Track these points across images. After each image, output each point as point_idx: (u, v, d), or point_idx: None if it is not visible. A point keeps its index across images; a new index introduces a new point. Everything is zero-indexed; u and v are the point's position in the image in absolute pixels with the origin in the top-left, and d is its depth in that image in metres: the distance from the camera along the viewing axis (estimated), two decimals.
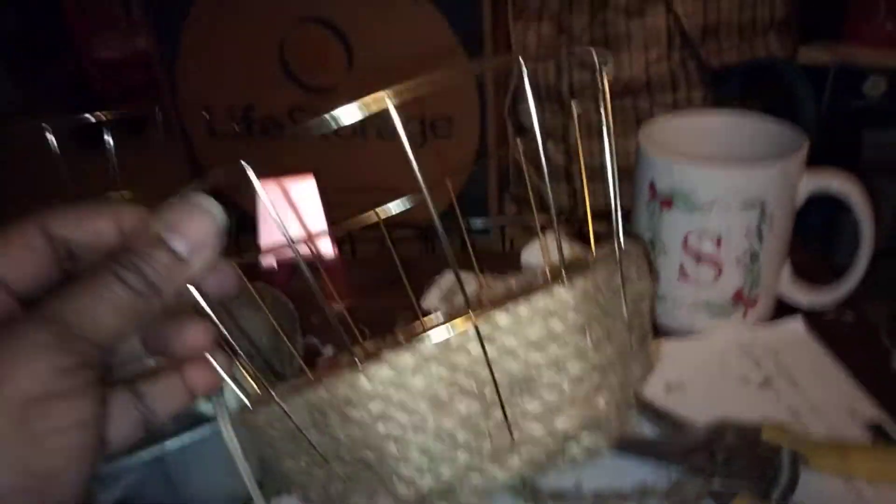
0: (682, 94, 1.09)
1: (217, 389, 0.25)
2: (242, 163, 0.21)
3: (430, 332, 0.22)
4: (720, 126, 0.48)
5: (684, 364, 0.42)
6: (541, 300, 0.23)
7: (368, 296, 0.52)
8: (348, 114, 0.21)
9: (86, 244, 0.23)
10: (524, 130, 1.18)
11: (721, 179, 0.41)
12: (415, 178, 0.23)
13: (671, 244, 0.44)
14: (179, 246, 0.21)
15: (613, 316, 0.25)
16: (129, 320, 0.20)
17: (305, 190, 0.54)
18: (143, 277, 0.20)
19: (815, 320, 0.45)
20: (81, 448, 0.18)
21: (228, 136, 1.04)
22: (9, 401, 0.17)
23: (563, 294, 0.23)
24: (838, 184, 0.42)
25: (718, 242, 0.42)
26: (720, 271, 0.43)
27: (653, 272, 0.40)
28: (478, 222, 0.78)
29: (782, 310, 0.46)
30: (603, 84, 0.26)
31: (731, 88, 1.04)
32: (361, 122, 1.09)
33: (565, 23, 1.06)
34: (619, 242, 0.25)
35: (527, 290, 0.23)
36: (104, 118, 0.49)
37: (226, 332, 0.25)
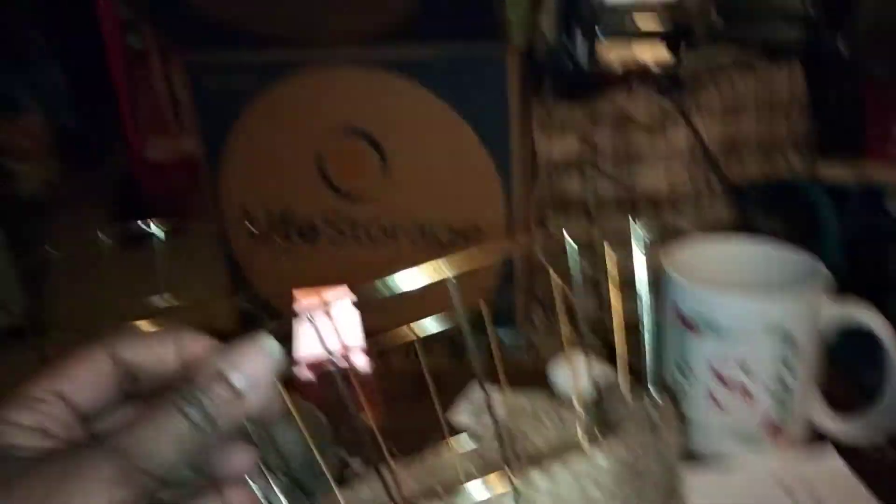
0: (706, 209, 1.11)
1: None
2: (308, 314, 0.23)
3: (467, 488, 0.23)
4: (744, 251, 0.49)
5: (716, 497, 0.42)
6: (578, 464, 0.24)
7: (397, 408, 0.52)
8: (407, 280, 0.23)
9: (148, 369, 0.24)
10: (552, 238, 1.20)
11: (742, 307, 0.42)
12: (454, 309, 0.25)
13: (698, 368, 0.44)
14: (238, 382, 0.22)
15: (646, 474, 0.26)
16: (186, 451, 0.21)
17: (343, 303, 0.56)
18: (202, 410, 0.21)
19: (854, 454, 0.44)
20: None
21: (268, 241, 1.08)
22: None
23: (601, 459, 0.24)
24: (861, 317, 0.42)
25: (746, 369, 0.43)
26: (749, 398, 0.43)
27: (682, 420, 0.41)
28: (504, 336, 0.79)
29: (815, 436, 0.46)
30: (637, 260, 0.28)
31: (753, 205, 1.06)
32: (393, 227, 1.13)
33: (589, 137, 1.10)
34: (652, 402, 0.27)
35: (561, 438, 0.24)
36: (155, 226, 0.52)
37: (264, 456, 0.27)
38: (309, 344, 0.54)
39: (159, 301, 0.54)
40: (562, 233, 0.36)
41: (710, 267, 0.47)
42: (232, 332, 0.25)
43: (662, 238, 1.13)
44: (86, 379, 0.23)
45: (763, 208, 1.02)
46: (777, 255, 0.48)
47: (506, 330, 0.89)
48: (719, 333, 0.43)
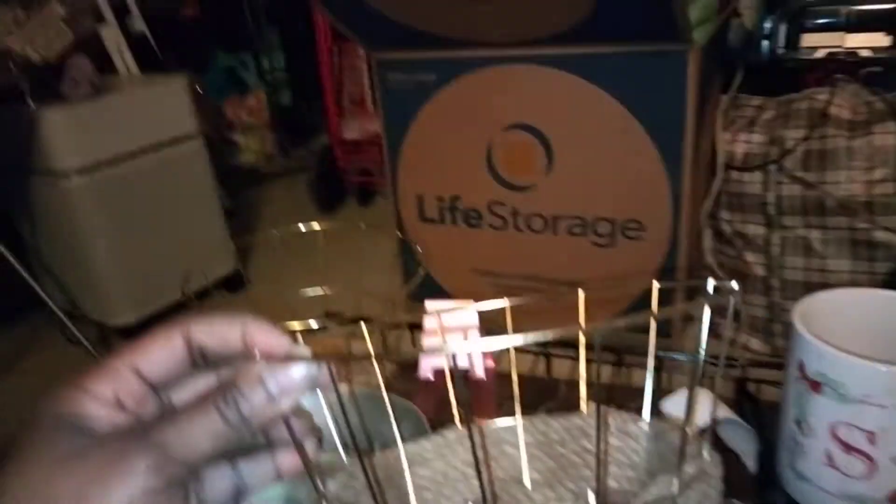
0: None
1: (298, 470, 0.28)
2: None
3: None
4: (886, 308, 0.45)
5: None
6: None
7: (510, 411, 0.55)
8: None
9: (215, 349, 0.27)
10: (722, 236, 1.14)
11: (875, 375, 0.39)
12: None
13: (819, 428, 0.42)
14: (274, 389, 0.24)
15: None
16: (220, 446, 0.24)
17: (468, 314, 0.60)
18: (238, 412, 0.24)
19: None
20: None
21: (435, 221, 1.16)
22: None
23: None
24: None
25: (872, 439, 0.40)
26: (874, 468, 0.41)
27: None
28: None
29: None
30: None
31: None
32: (553, 218, 1.15)
33: (778, 135, 1.02)
34: None
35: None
36: (317, 225, 0.62)
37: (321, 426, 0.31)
38: (432, 345, 0.60)
39: (314, 291, 0.63)
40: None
41: (846, 323, 0.44)
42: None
43: (853, 248, 1.03)
44: (160, 356, 0.26)
45: None
46: None
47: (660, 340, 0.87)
48: (845, 399, 0.41)
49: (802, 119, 1.03)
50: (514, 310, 0.40)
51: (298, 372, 0.25)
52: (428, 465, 0.39)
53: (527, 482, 0.41)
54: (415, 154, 1.18)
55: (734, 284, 0.29)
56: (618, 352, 0.63)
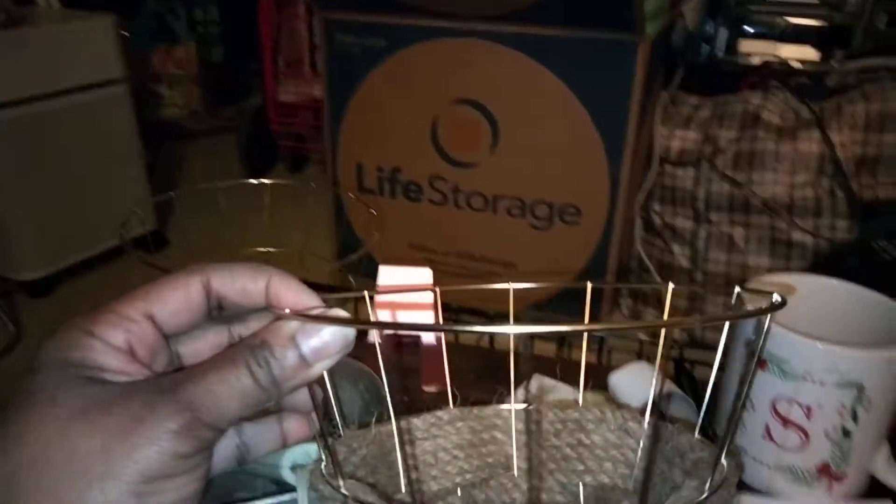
0: (825, 221, 1.05)
1: (305, 438, 0.27)
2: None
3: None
4: (832, 294, 0.48)
5: None
6: None
7: (462, 384, 0.55)
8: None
9: (234, 301, 0.25)
10: (652, 227, 1.18)
11: (818, 354, 0.41)
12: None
13: (760, 403, 0.44)
14: (308, 352, 0.22)
15: None
16: (249, 409, 0.22)
17: (422, 276, 0.59)
18: (270, 374, 0.22)
19: None
20: None
21: (373, 192, 1.14)
22: (131, 477, 0.19)
23: None
24: None
25: (808, 413, 0.42)
26: (807, 440, 0.43)
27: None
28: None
29: (875, 488, 0.45)
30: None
31: (878, 225, 0.99)
32: (494, 197, 1.15)
33: (712, 133, 1.06)
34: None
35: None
36: (265, 182, 0.59)
37: (331, 397, 0.29)
38: (384, 312, 0.58)
39: (256, 255, 0.60)
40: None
41: (795, 307, 0.46)
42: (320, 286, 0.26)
43: (772, 246, 1.09)
44: (177, 304, 0.24)
45: (887, 231, 0.95)
46: (869, 303, 0.46)
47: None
48: (788, 375, 0.42)
49: (736, 120, 1.07)
50: (445, 283, 0.40)
51: (335, 335, 0.23)
52: (418, 444, 0.39)
53: (515, 470, 0.41)
54: (358, 121, 1.15)
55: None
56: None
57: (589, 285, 0.41)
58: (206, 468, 0.21)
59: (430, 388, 0.56)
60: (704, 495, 0.27)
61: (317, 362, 0.23)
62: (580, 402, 0.41)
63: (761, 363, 0.44)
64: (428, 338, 0.57)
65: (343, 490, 0.27)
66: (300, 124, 1.66)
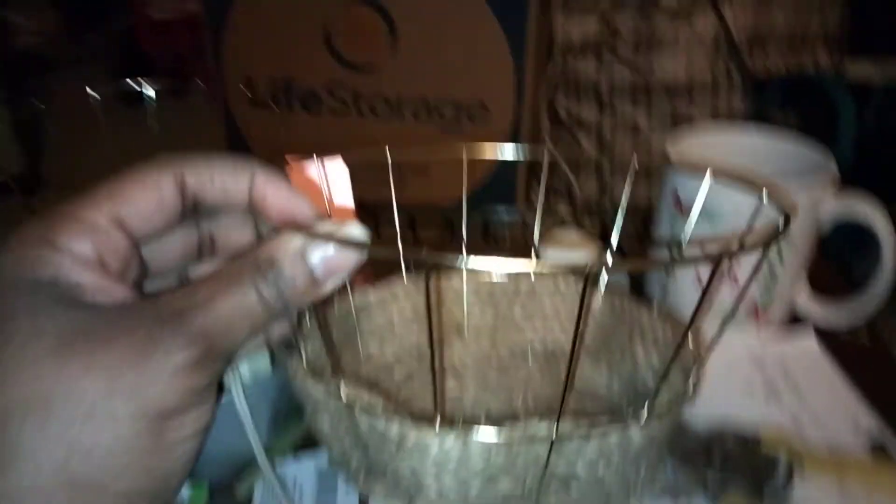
0: (722, 100, 1.08)
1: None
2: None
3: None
4: (752, 142, 0.48)
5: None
6: (613, 436, 0.24)
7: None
8: (487, 266, 0.20)
9: (212, 201, 0.22)
10: (558, 120, 1.18)
11: (739, 195, 0.41)
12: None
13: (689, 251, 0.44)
14: (319, 270, 0.20)
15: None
16: (256, 332, 0.20)
17: (335, 168, 0.55)
18: (281, 296, 0.20)
19: (830, 339, 0.46)
20: (196, 451, 0.19)
21: (268, 107, 1.06)
22: (147, 414, 0.17)
23: (635, 434, 0.24)
24: (862, 211, 0.42)
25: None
26: (735, 283, 0.44)
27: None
28: (503, 213, 0.79)
29: (796, 319, 0.47)
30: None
31: (772, 98, 1.03)
32: (398, 100, 1.10)
33: (610, 19, 1.05)
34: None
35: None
36: (147, 86, 0.51)
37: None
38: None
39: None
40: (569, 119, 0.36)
41: (715, 156, 0.46)
42: None
43: (674, 129, 1.11)
44: (147, 206, 0.21)
45: (781, 102, 0.99)
46: (786, 148, 0.47)
47: (505, 207, 0.89)
48: (714, 220, 0.42)
49: (634, 6, 1.06)
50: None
51: (351, 257, 0.21)
52: (374, 318, 0.38)
53: (466, 333, 0.40)
54: (242, 31, 1.05)
55: None
56: None
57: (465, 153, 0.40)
58: (216, 396, 0.19)
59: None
60: (689, 392, 0.27)
61: (328, 279, 0.21)
62: (532, 271, 0.40)
63: (688, 213, 0.44)
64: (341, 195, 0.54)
65: (343, 395, 0.25)
66: (178, 44, 1.51)
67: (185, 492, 0.32)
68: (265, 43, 1.05)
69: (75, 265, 0.18)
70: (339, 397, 0.25)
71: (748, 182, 0.34)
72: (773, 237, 0.25)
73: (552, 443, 0.23)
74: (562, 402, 0.22)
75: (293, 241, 0.20)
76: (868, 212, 0.41)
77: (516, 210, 0.86)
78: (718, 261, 0.24)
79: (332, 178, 0.58)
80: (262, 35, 1.04)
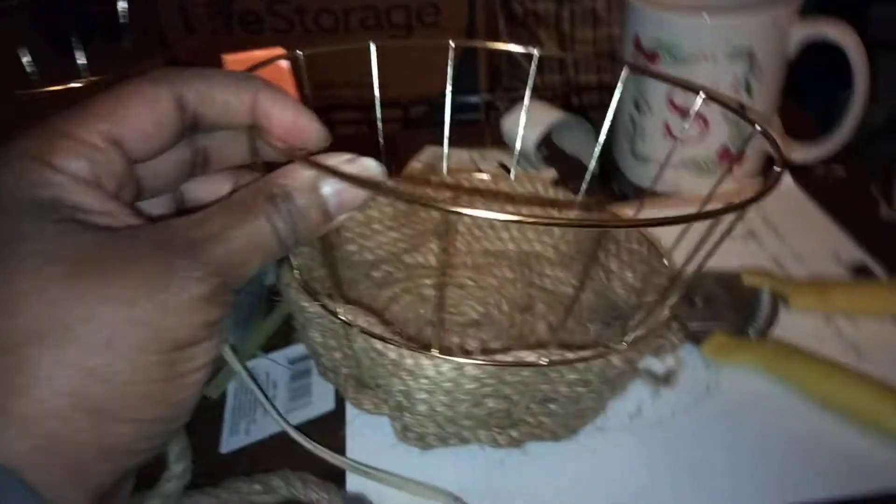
0: None
1: None
2: None
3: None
4: None
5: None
6: (596, 364, 0.25)
7: None
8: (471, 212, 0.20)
9: (213, 118, 0.21)
10: (514, 18, 1.13)
11: (706, 28, 0.39)
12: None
13: (656, 102, 0.42)
14: (333, 203, 0.20)
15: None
16: (267, 265, 0.20)
17: (276, 67, 0.52)
18: (293, 232, 0.19)
19: (805, 176, 0.44)
20: (206, 379, 0.19)
21: (206, 33, 1.00)
22: (163, 345, 0.17)
23: (615, 360, 0.25)
24: (832, 31, 0.40)
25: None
26: (706, 127, 0.42)
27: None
28: (470, 98, 0.76)
29: (772, 164, 0.45)
30: None
31: None
32: (345, 11, 1.04)
33: None
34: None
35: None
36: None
37: None
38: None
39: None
40: None
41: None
42: None
43: None
44: (145, 125, 0.19)
45: None
46: None
47: (471, 95, 0.85)
48: (680, 60, 0.40)
49: None
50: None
51: (364, 194, 0.20)
52: (350, 217, 0.36)
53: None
54: None
55: None
56: None
57: (451, 44, 0.38)
58: (226, 328, 0.20)
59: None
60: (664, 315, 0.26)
61: (340, 214, 0.20)
62: (512, 175, 0.38)
63: (651, 57, 0.41)
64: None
65: (343, 316, 0.26)
66: None
67: None
68: None
69: (75, 186, 0.18)
70: (336, 317, 0.25)
71: None
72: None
73: (539, 371, 0.24)
74: (554, 336, 0.25)
75: (305, 171, 0.20)
76: (837, 31, 0.39)
77: (481, 96, 0.83)
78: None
79: (275, 74, 0.54)
80: None
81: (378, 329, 0.25)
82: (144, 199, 0.22)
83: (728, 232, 0.26)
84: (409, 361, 0.24)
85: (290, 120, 0.22)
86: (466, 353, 0.25)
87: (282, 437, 0.30)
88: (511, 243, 0.39)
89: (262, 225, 0.19)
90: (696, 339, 0.33)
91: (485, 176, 0.39)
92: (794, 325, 0.34)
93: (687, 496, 0.27)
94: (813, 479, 0.28)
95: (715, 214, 0.22)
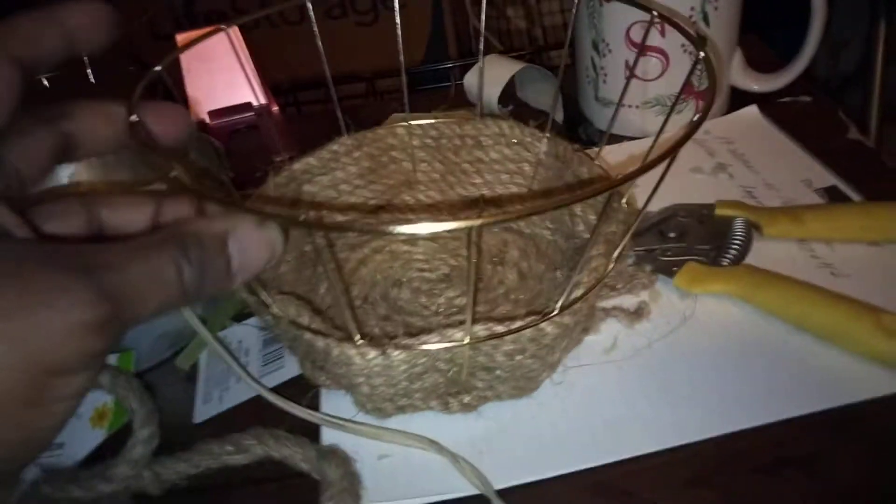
0: None
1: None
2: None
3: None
4: None
5: (633, 162, 0.41)
6: (527, 332, 0.25)
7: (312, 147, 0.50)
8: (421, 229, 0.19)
9: (50, 54, 0.20)
10: None
11: None
12: None
13: (614, 41, 0.42)
14: (237, 263, 0.19)
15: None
16: (162, 312, 0.19)
17: (227, 42, 0.51)
18: (199, 280, 0.18)
19: (771, 107, 0.44)
20: (73, 411, 0.18)
21: (169, 37, 0.99)
22: (32, 366, 0.16)
23: (548, 327, 0.25)
24: None
25: (662, 31, 0.40)
26: (667, 63, 0.41)
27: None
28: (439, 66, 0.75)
29: (737, 104, 0.45)
30: None
31: None
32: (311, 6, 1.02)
33: None
34: None
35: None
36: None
37: None
38: (201, 84, 0.50)
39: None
40: None
41: None
42: None
43: None
44: None
45: None
46: None
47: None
48: None
49: None
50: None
51: (266, 256, 0.20)
52: (316, 181, 0.37)
53: (417, 186, 0.39)
54: None
55: None
56: None
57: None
58: (105, 362, 0.19)
59: (281, 157, 0.50)
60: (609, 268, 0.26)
61: (238, 278, 0.20)
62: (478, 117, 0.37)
63: None
64: (261, 109, 0.50)
65: (273, 309, 0.26)
66: None
67: (113, 358, 0.30)
68: None
69: None
70: (270, 310, 0.26)
71: None
72: None
73: (468, 346, 0.24)
74: (472, 310, 0.23)
75: (217, 224, 0.19)
76: None
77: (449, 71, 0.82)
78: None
79: (230, 49, 0.54)
80: None
81: (306, 319, 0.26)
82: (24, 193, 0.21)
83: (662, 177, 0.25)
84: (335, 352, 0.24)
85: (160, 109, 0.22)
86: (391, 338, 0.25)
87: (254, 402, 0.30)
88: (485, 188, 0.39)
89: (167, 264, 0.18)
90: (669, 271, 0.33)
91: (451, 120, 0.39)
92: (769, 252, 0.34)
93: (667, 420, 0.27)
94: (791, 397, 0.27)
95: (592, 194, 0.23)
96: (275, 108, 0.51)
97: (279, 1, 0.98)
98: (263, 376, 0.31)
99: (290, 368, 0.31)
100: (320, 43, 0.38)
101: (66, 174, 0.29)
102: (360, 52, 1.01)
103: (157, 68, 0.30)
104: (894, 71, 0.82)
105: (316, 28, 0.38)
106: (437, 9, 1.01)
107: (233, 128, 0.50)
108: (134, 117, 0.24)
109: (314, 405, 0.29)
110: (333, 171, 0.38)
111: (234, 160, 0.45)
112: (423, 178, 0.39)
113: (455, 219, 0.19)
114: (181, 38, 0.50)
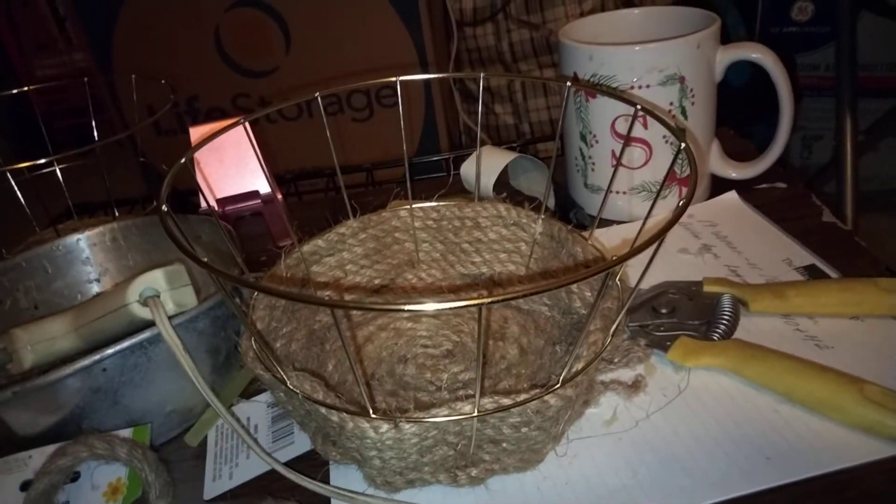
0: None
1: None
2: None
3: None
4: (637, 18, 0.49)
5: (624, 243, 0.43)
6: (531, 405, 0.26)
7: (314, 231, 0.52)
8: (436, 307, 0.21)
9: None
10: (470, 94, 1.19)
11: (638, 58, 0.42)
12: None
13: (601, 132, 0.45)
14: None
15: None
16: None
17: (236, 134, 0.54)
18: None
19: (750, 193, 0.47)
20: None
21: (172, 132, 1.03)
22: None
23: (552, 399, 0.26)
24: (753, 52, 0.43)
25: (645, 123, 0.44)
26: (651, 152, 0.45)
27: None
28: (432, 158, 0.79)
29: (718, 190, 0.48)
30: None
31: None
32: (307, 103, 1.08)
33: None
34: None
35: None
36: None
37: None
38: (210, 172, 0.53)
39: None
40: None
41: (605, 37, 0.47)
42: None
43: None
44: None
45: None
46: (669, 13, 0.48)
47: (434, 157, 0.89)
48: (612, 80, 0.43)
49: None
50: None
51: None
52: (324, 261, 0.39)
53: (418, 266, 0.41)
54: (131, 61, 1.03)
55: None
56: None
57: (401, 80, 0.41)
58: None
59: (285, 242, 0.52)
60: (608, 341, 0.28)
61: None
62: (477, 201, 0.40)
63: (590, 93, 0.44)
64: (267, 197, 0.53)
65: (289, 384, 0.27)
66: (72, 98, 1.47)
67: (127, 431, 0.30)
68: (159, 66, 1.03)
69: None
70: (286, 385, 0.27)
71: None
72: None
73: (477, 418, 0.25)
74: (480, 382, 0.25)
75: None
76: (756, 50, 0.43)
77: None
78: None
79: (237, 140, 0.57)
80: (154, 59, 1.02)
81: (321, 394, 0.27)
82: None
83: (652, 257, 0.27)
84: (350, 425, 0.25)
85: None
86: (403, 412, 0.26)
87: (264, 478, 0.30)
88: (484, 266, 0.40)
89: None
90: (663, 345, 0.34)
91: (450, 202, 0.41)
92: (756, 326, 0.35)
93: (668, 488, 0.28)
94: (783, 464, 0.28)
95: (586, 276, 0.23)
96: (279, 196, 0.54)
97: (278, 97, 1.03)
98: (273, 452, 0.31)
99: (299, 445, 0.31)
100: (329, 134, 0.41)
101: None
102: (357, 146, 1.06)
103: (183, 161, 0.32)
104: (865, 163, 0.87)
105: (325, 120, 0.41)
106: (428, 105, 1.07)
107: (240, 214, 0.52)
108: (165, 207, 0.26)
109: (324, 480, 0.29)
110: (340, 252, 0.40)
111: (240, 244, 0.47)
112: (426, 258, 0.41)
113: (466, 298, 0.21)
114: (194, 130, 0.53)
